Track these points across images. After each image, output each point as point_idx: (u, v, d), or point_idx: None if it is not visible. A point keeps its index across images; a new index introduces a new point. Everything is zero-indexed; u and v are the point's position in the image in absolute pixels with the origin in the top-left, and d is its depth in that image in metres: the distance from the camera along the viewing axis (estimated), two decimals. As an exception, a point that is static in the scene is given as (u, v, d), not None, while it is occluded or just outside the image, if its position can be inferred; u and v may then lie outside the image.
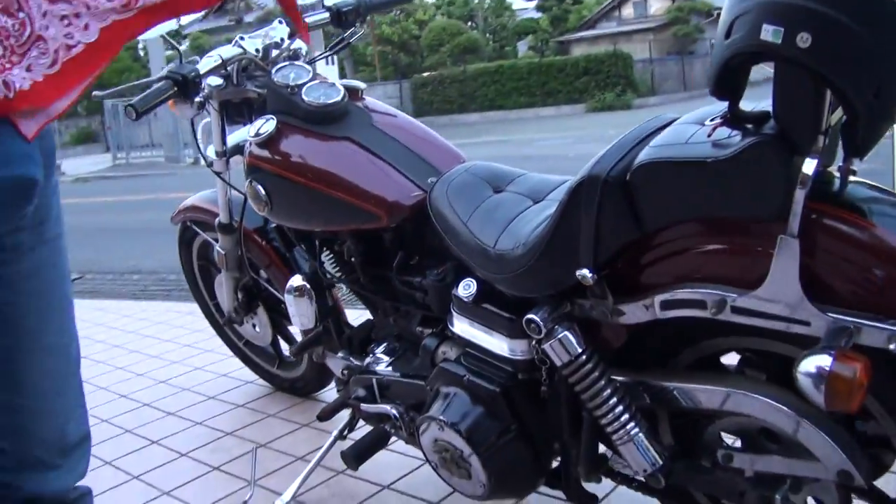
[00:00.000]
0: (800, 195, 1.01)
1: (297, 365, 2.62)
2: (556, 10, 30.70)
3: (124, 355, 3.47)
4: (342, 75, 26.57)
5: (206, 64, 1.81)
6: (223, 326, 2.78)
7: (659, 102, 21.82)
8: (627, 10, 29.00)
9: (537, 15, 32.27)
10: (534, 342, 1.38)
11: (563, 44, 30.15)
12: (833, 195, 1.08)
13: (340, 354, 2.01)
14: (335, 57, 15.21)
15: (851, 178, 1.11)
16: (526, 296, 1.39)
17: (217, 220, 2.31)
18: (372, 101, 1.94)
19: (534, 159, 10.46)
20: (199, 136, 2.16)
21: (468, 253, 1.48)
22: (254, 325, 2.55)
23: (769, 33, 0.93)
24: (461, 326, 1.54)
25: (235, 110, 2.06)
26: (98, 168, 19.01)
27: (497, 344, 1.47)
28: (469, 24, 31.76)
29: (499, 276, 1.41)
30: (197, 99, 1.93)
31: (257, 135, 1.82)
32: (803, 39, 0.91)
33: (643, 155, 1.15)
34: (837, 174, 1.11)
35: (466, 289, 1.49)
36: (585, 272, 1.24)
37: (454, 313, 1.55)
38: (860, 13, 0.91)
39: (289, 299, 2.04)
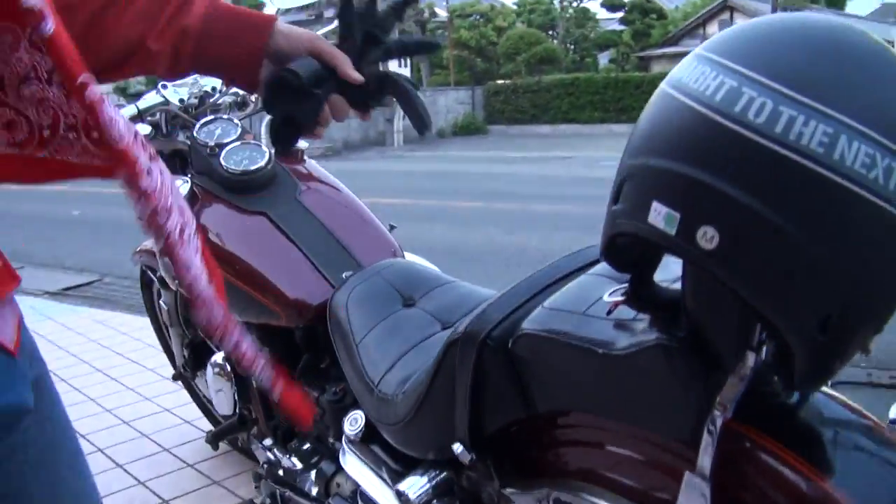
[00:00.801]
0: (717, 421, 0.72)
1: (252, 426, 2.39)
2: (639, 23, 29.98)
3: (102, 383, 3.29)
4: (417, 77, 26.48)
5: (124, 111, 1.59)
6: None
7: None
8: (712, 28, 28.03)
9: (621, 27, 31.61)
10: None
11: (643, 59, 29.45)
12: (775, 414, 0.77)
13: (267, 442, 1.77)
14: (409, 58, 15.07)
15: None
16: (407, 453, 1.12)
17: (158, 272, 2.09)
18: (312, 165, 1.69)
19: (587, 183, 10.08)
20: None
21: (353, 384, 1.21)
22: (206, 383, 2.33)
23: (660, 217, 0.63)
24: (351, 462, 1.27)
25: (167, 162, 1.84)
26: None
27: (385, 495, 1.20)
28: (549, 33, 31.28)
29: (379, 422, 1.14)
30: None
31: (169, 199, 1.58)
32: (707, 237, 0.61)
33: (531, 319, 0.87)
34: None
35: (353, 424, 1.23)
36: (459, 448, 0.96)
37: (344, 445, 1.29)
38: (793, 204, 0.60)
39: (209, 376, 1.82)
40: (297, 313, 1.40)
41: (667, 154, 0.63)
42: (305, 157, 1.70)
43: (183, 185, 1.58)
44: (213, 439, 1.91)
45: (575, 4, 31.94)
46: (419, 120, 0.94)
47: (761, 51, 0.62)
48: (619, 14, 31.63)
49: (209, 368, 1.81)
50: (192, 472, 2.46)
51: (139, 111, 1.61)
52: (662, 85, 0.68)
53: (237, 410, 1.80)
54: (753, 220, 0.60)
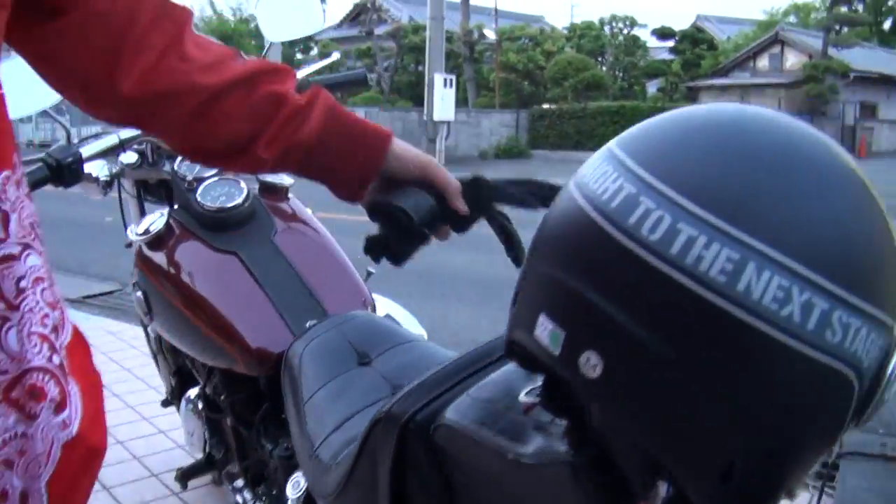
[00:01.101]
0: None
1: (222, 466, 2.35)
2: (689, 53, 29.76)
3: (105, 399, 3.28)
4: (463, 97, 26.49)
5: (97, 145, 1.56)
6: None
7: (782, 163, 20.64)
8: (762, 62, 27.75)
9: (670, 57, 31.42)
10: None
11: (692, 89, 29.22)
12: None
13: (238, 484, 1.72)
14: (454, 79, 15.04)
15: None
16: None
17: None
18: (296, 204, 1.65)
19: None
20: None
21: (296, 444, 1.16)
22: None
23: (546, 333, 0.56)
24: (294, 526, 1.22)
25: (154, 191, 1.81)
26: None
27: (322, 565, 1.14)
28: (599, 59, 31.16)
29: (314, 490, 1.09)
30: (102, 177, 1.68)
31: (145, 232, 1.55)
32: (590, 364, 0.54)
33: (453, 408, 0.81)
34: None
35: (296, 487, 1.18)
36: None
37: (290, 505, 1.23)
38: (688, 339, 0.51)
39: (182, 412, 1.78)
40: (258, 362, 1.35)
41: (558, 262, 0.57)
42: (290, 195, 1.65)
43: (158, 220, 1.55)
44: (181, 478, 1.87)
45: (625, 32, 31.81)
46: (515, 255, 0.95)
47: (668, 153, 0.54)
48: (670, 43, 31.46)
49: (183, 404, 1.77)
50: (177, 502, 2.43)
51: (120, 140, 1.58)
52: (570, 180, 0.62)
53: (206, 450, 1.76)
54: (641, 351, 0.52)
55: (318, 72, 1.79)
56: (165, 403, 2.37)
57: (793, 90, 25.55)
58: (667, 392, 0.52)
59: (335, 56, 1.84)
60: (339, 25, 34.96)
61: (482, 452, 0.75)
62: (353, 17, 33.30)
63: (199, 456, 2.05)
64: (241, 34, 37.15)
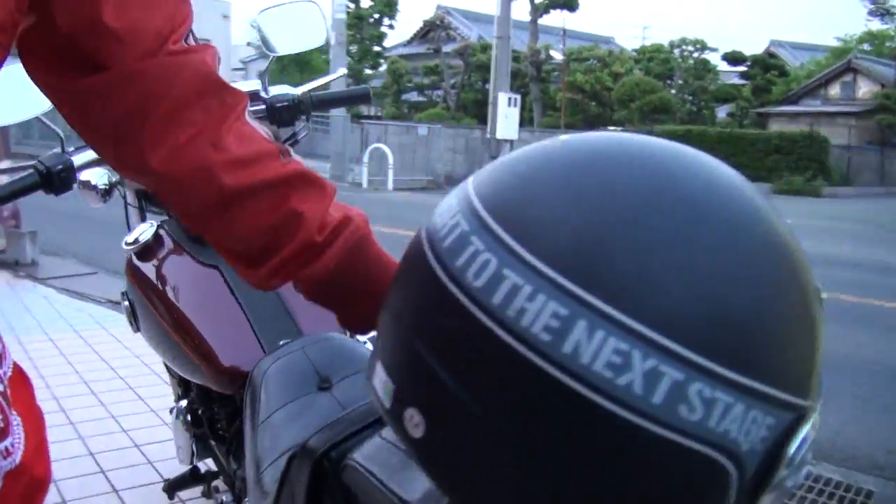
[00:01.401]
0: None
1: (211, 479, 2.33)
2: (760, 79, 29.25)
3: (129, 402, 3.33)
4: (529, 117, 26.43)
5: (90, 154, 1.56)
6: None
7: (851, 194, 20.10)
8: (834, 90, 27.10)
9: (741, 82, 30.90)
10: None
11: (762, 115, 28.69)
12: None
13: (226, 498, 1.70)
14: (518, 98, 14.99)
15: None
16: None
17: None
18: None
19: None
20: None
21: (247, 466, 1.13)
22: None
23: (380, 384, 0.51)
24: (248, 550, 1.19)
25: (150, 202, 1.81)
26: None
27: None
28: (667, 82, 30.80)
29: (253, 517, 1.05)
30: (101, 186, 1.69)
31: (135, 242, 1.55)
32: (413, 422, 0.48)
33: (362, 448, 0.77)
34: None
35: (246, 511, 1.14)
36: None
37: (245, 530, 1.20)
38: (510, 404, 0.44)
39: (171, 421, 1.77)
40: (229, 379, 1.33)
41: (393, 303, 0.51)
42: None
43: (147, 230, 1.54)
44: (168, 489, 1.86)
45: (695, 55, 31.39)
46: None
47: (509, 188, 0.48)
48: (741, 68, 30.95)
49: (172, 415, 1.76)
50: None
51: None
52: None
53: (192, 462, 1.74)
54: (461, 414, 0.45)
55: (325, 86, 1.77)
56: (173, 410, 2.38)
57: (864, 119, 24.86)
58: (487, 464, 0.46)
59: (342, 71, 1.82)
60: (409, 42, 35.29)
61: (378, 497, 0.71)
62: (423, 34, 33.54)
63: (187, 467, 2.05)
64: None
